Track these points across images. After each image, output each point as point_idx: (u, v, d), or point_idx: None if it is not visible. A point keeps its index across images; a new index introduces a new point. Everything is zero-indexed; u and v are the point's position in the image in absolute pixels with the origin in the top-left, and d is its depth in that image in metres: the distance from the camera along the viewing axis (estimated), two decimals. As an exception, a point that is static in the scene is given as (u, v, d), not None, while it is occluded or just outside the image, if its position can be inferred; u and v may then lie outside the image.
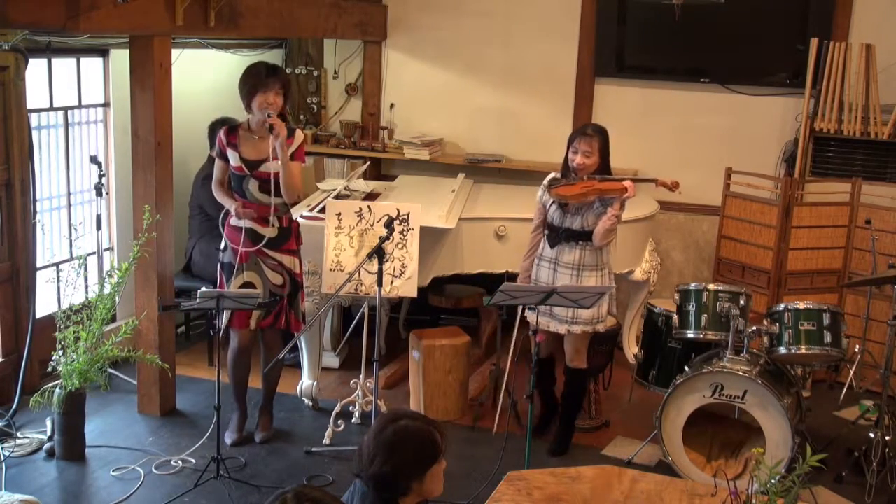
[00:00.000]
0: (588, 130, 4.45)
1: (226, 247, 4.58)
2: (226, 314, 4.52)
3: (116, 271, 4.52)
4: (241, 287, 4.50)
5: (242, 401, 4.77)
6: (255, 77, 4.42)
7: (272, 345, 4.71)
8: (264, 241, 4.51)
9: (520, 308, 4.94)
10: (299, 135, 4.54)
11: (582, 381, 4.76)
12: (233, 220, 4.55)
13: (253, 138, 4.50)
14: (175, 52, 4.86)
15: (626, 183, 4.31)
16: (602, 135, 4.43)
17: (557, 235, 4.53)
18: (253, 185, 4.48)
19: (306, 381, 5.16)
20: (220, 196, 4.60)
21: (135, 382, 5.02)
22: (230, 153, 4.49)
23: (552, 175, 4.61)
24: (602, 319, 4.56)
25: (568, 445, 4.77)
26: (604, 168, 4.44)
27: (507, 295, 4.10)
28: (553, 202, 4.52)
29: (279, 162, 4.39)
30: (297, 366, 5.37)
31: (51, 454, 4.44)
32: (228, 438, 4.68)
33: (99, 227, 5.07)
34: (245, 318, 4.56)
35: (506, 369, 5.04)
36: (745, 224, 5.85)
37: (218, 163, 4.59)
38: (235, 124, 4.61)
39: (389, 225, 4.42)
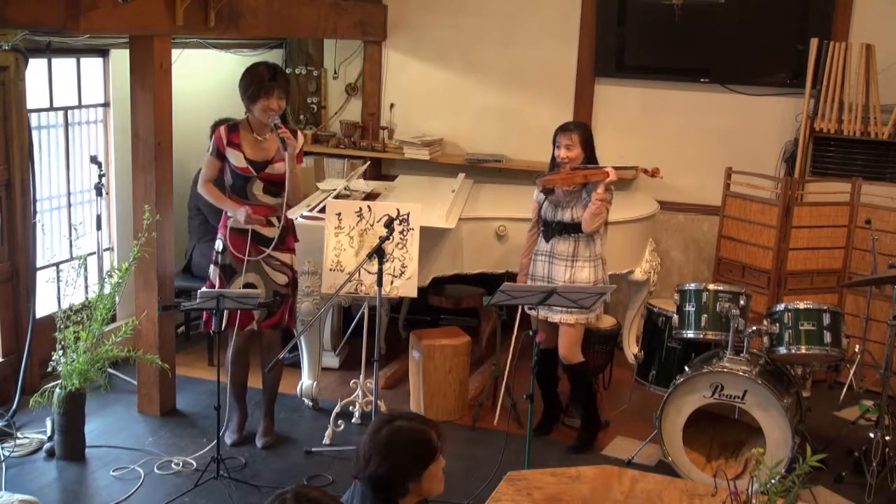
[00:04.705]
0: (567, 125, 4.68)
1: (224, 248, 4.50)
2: (225, 315, 4.51)
3: (116, 271, 4.51)
4: (242, 288, 4.48)
5: (242, 401, 4.76)
6: (257, 81, 4.35)
7: (271, 346, 4.69)
8: (272, 244, 4.46)
9: (519, 308, 4.96)
10: (301, 138, 4.54)
11: (583, 376, 4.77)
12: (232, 222, 4.48)
13: (256, 139, 4.47)
14: (175, 52, 4.86)
15: (608, 169, 4.50)
16: (581, 129, 4.66)
17: (551, 229, 4.66)
18: (258, 187, 4.45)
19: (306, 381, 5.16)
20: (208, 195, 4.52)
21: (135, 382, 5.02)
22: (232, 152, 4.45)
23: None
24: (594, 309, 4.55)
25: (589, 442, 4.81)
26: (590, 160, 4.63)
27: (507, 295, 4.10)
28: (546, 199, 4.65)
29: (285, 165, 4.37)
30: (296, 366, 5.37)
31: (51, 454, 4.44)
32: (229, 438, 4.68)
33: (99, 227, 5.07)
34: (246, 320, 4.55)
35: (505, 369, 5.04)
36: (745, 224, 5.85)
37: (211, 160, 4.49)
38: (235, 122, 4.55)
39: (389, 225, 4.42)
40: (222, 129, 4.50)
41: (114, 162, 5.61)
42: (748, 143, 6.26)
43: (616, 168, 4.51)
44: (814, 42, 5.75)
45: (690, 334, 4.55)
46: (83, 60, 5.40)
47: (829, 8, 5.95)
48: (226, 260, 4.53)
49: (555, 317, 4.63)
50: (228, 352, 4.63)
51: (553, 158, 4.66)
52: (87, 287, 5.15)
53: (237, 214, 4.42)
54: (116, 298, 4.53)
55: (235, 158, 4.44)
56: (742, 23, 6.10)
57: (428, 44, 6.83)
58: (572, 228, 4.59)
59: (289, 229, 4.62)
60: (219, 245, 4.52)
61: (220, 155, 4.47)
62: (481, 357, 5.89)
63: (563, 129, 4.64)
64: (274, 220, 4.50)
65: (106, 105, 5.59)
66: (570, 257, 4.61)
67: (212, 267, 4.59)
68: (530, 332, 4.28)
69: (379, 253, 4.29)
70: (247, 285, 4.50)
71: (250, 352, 4.72)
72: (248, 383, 4.78)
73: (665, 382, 4.69)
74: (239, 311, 4.45)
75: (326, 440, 4.73)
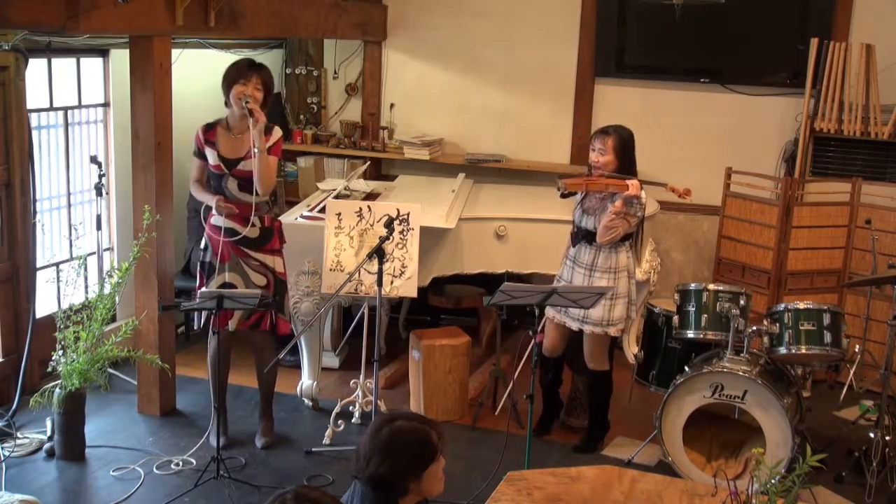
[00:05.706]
0: (605, 129, 4.52)
1: (206, 246, 4.53)
2: (204, 315, 4.49)
3: (116, 271, 4.51)
4: (220, 287, 4.42)
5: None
6: (235, 69, 4.39)
7: (262, 346, 4.65)
8: (240, 238, 4.43)
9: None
10: (277, 131, 4.49)
11: (601, 383, 4.76)
12: (213, 219, 4.49)
13: (231, 136, 4.45)
14: (175, 52, 4.86)
15: (630, 181, 4.35)
16: (619, 134, 4.47)
17: (577, 235, 4.62)
18: (232, 184, 4.42)
19: (306, 381, 5.16)
20: (198, 194, 4.54)
21: (135, 382, 5.02)
22: (208, 151, 4.44)
23: None
24: (614, 323, 4.54)
25: (596, 442, 4.81)
26: (624, 169, 4.47)
27: (507, 295, 4.10)
28: (580, 203, 4.61)
29: (255, 153, 4.30)
30: (296, 366, 5.37)
31: (51, 454, 4.44)
32: (212, 440, 4.64)
33: (99, 227, 5.07)
34: (224, 319, 4.50)
35: (515, 371, 5.03)
36: (746, 224, 5.85)
37: (196, 161, 4.52)
38: (213, 122, 4.53)
39: (389, 225, 4.41)
40: (200, 129, 4.50)
41: (114, 162, 5.61)
42: (748, 143, 6.26)
43: (645, 183, 4.39)
44: (814, 42, 5.75)
45: (690, 334, 4.55)
46: (83, 60, 5.40)
47: (829, 8, 5.95)
48: (207, 257, 4.53)
49: (573, 325, 4.60)
50: (209, 351, 4.62)
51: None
52: (87, 287, 5.15)
53: (210, 202, 4.45)
54: (116, 298, 4.53)
55: (211, 156, 4.44)
56: (742, 23, 6.10)
57: (428, 44, 6.83)
58: (594, 237, 4.52)
59: (274, 231, 4.57)
60: (203, 242, 4.55)
61: (200, 154, 4.48)
62: (481, 357, 5.89)
63: (600, 131, 4.51)
64: (255, 219, 4.47)
65: (106, 105, 5.59)
66: (589, 267, 4.54)
67: (198, 265, 4.59)
68: (530, 332, 4.27)
69: (379, 253, 4.29)
70: (226, 285, 4.46)
71: (229, 352, 4.70)
72: (226, 384, 4.73)
73: (665, 382, 4.68)
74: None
75: (326, 440, 4.73)
